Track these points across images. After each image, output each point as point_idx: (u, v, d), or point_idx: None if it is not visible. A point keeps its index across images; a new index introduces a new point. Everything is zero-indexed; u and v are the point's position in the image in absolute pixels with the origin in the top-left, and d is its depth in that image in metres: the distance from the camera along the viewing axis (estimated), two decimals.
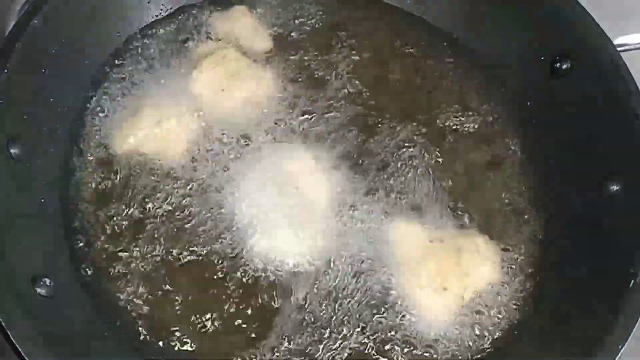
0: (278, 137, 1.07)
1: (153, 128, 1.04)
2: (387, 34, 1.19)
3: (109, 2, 1.11)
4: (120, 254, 0.98)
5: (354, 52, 1.16)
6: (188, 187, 1.03)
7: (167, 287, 0.96)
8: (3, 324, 0.81)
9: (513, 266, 1.00)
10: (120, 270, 0.97)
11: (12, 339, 0.81)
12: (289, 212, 1.00)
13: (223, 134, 1.07)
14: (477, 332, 0.96)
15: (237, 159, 1.05)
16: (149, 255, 0.98)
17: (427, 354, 0.93)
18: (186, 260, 0.98)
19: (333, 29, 1.18)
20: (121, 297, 0.95)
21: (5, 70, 0.94)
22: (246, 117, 1.08)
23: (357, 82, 1.14)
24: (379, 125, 1.10)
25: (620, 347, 0.82)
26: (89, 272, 0.97)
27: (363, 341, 0.93)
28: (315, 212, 1.00)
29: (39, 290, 0.89)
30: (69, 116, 1.06)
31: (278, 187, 1.01)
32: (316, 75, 1.14)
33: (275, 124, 1.08)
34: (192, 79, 1.08)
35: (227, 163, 1.04)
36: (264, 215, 0.99)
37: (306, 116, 1.09)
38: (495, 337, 0.96)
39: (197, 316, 0.94)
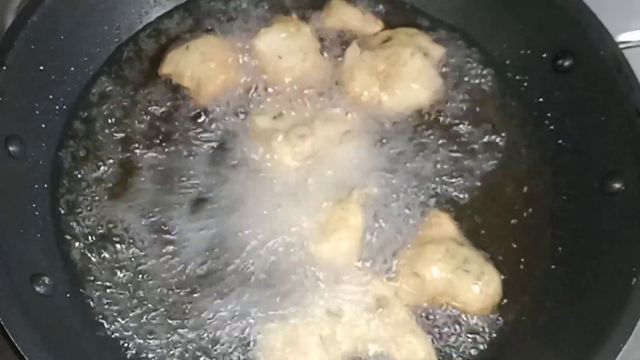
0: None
1: (197, 63, 1.07)
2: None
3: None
4: (117, 249, 0.98)
5: None
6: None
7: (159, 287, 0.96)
8: (2, 322, 0.82)
9: (515, 264, 1.00)
10: (117, 267, 0.97)
11: (11, 336, 0.81)
12: None
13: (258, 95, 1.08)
14: (477, 327, 0.96)
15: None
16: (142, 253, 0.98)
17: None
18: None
19: None
20: (117, 295, 0.95)
21: (4, 67, 0.94)
22: (286, 91, 1.08)
23: None
24: None
25: (622, 345, 0.82)
26: (87, 270, 0.97)
27: None
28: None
29: (37, 288, 0.90)
30: (67, 113, 1.06)
31: None
32: None
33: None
34: (258, 34, 1.09)
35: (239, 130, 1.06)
36: None
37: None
38: (496, 334, 0.96)
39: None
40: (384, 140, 1.06)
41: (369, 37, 1.14)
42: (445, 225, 1.00)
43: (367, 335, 0.93)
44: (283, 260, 0.97)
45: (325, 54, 1.12)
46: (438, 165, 1.05)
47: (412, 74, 1.07)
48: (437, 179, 1.05)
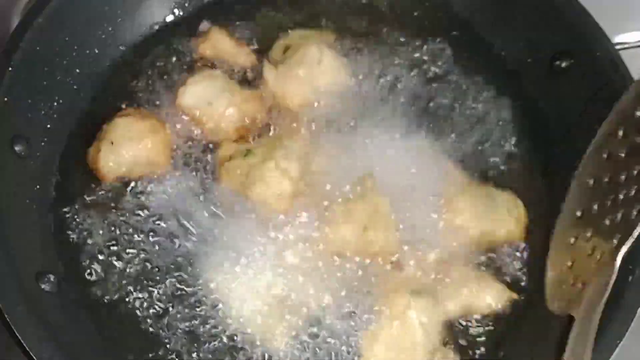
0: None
1: (128, 155, 1.02)
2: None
3: (112, 2, 1.12)
4: (122, 248, 0.99)
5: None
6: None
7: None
8: (8, 319, 0.83)
9: (513, 261, 1.01)
10: (119, 266, 0.98)
11: (17, 333, 0.82)
12: None
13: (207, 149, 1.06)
14: (476, 323, 0.97)
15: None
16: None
17: None
18: None
19: None
20: (121, 293, 0.96)
21: (10, 69, 0.95)
22: (232, 132, 1.06)
23: None
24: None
25: (618, 342, 0.83)
26: (91, 268, 0.97)
27: None
28: None
29: (43, 286, 0.91)
30: (73, 114, 1.07)
31: None
32: None
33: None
34: (179, 93, 1.06)
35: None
36: None
37: None
38: (494, 330, 0.96)
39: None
40: (346, 129, 1.07)
41: (267, 53, 1.14)
42: (454, 174, 1.04)
43: (448, 301, 0.95)
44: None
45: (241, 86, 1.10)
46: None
47: (330, 67, 1.09)
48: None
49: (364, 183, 1.00)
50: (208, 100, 1.06)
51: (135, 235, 0.99)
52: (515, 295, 0.97)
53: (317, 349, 0.93)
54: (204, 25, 1.17)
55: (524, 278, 0.99)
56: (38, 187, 1.00)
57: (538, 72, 1.10)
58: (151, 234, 0.99)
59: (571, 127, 1.05)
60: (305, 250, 0.97)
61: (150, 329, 0.94)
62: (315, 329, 0.94)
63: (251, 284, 0.95)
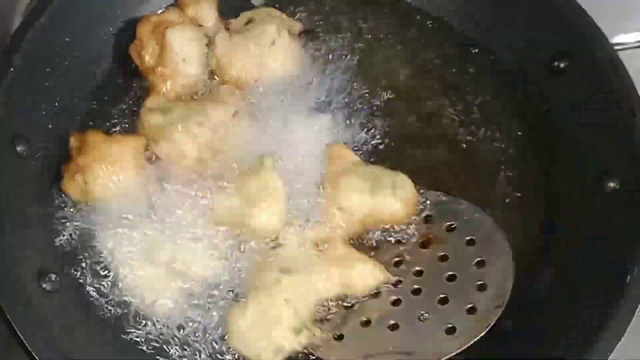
0: None
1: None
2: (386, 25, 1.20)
3: (112, 2, 1.12)
4: (122, 246, 0.97)
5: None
6: None
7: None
8: (9, 318, 0.83)
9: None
10: (121, 264, 0.96)
11: (17, 332, 0.83)
12: None
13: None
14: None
15: None
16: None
17: None
18: None
19: None
20: (122, 292, 0.96)
21: (11, 69, 0.96)
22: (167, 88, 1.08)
23: None
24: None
25: (616, 341, 0.83)
26: (92, 266, 0.97)
27: None
28: None
29: (43, 285, 0.91)
30: (74, 114, 1.08)
31: None
32: None
33: None
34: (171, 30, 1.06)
35: None
36: None
37: None
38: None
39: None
40: (271, 114, 1.06)
41: (228, 22, 1.14)
42: (345, 154, 1.03)
43: (322, 280, 0.94)
44: (217, 246, 0.97)
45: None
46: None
47: (282, 51, 1.09)
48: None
49: (262, 160, 0.99)
50: (183, 56, 1.07)
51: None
52: (391, 278, 0.95)
53: (190, 320, 0.93)
54: None
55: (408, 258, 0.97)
56: (40, 186, 1.00)
57: (538, 72, 1.10)
58: None
59: (571, 127, 1.05)
60: (195, 218, 0.97)
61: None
62: (192, 299, 0.94)
63: (140, 249, 0.95)
